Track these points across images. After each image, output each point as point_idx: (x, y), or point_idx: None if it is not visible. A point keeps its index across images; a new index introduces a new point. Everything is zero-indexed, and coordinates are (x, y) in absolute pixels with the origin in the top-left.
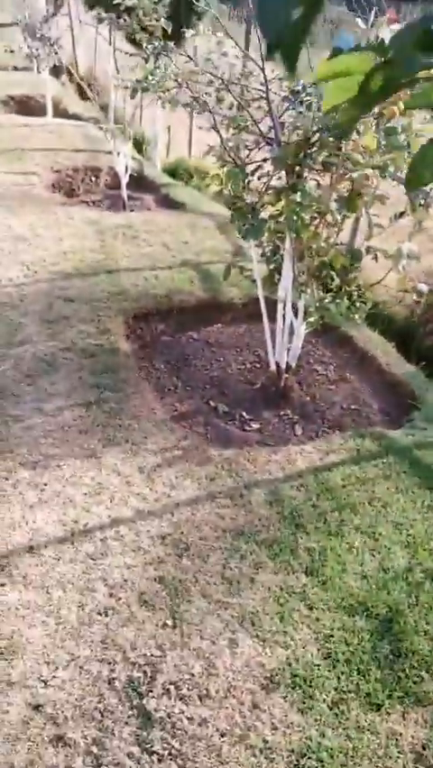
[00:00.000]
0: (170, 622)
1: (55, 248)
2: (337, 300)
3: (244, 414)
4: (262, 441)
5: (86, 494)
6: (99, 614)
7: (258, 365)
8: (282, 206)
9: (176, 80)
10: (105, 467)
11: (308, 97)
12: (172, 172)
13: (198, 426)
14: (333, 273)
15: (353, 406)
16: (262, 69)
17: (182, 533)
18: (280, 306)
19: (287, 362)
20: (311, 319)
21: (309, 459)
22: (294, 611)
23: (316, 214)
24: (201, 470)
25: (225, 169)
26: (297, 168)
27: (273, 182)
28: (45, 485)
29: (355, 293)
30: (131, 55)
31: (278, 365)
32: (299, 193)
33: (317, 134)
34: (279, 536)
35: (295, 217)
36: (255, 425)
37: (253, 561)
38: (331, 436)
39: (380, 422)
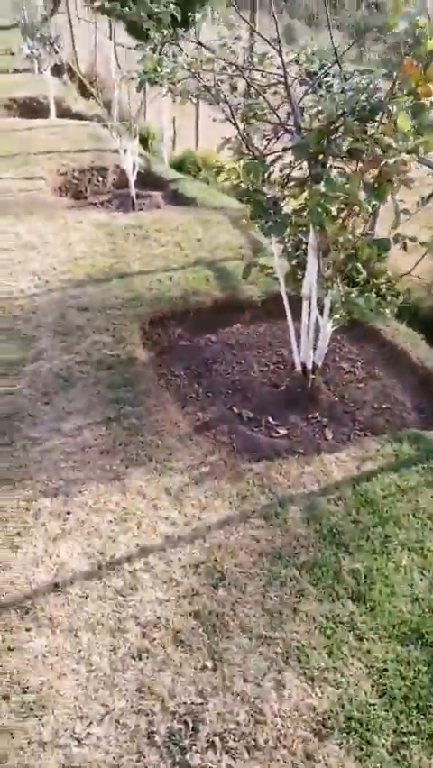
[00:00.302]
0: (209, 663)
1: (65, 254)
2: (366, 294)
3: (271, 419)
4: (291, 448)
5: (111, 521)
6: (133, 658)
7: (282, 366)
8: (305, 199)
9: (189, 70)
10: (130, 490)
11: (328, 78)
12: (180, 165)
13: (222, 436)
14: (358, 265)
15: (384, 406)
16: (279, 52)
17: (216, 560)
18: (304, 304)
19: (313, 362)
20: (337, 316)
21: (345, 468)
22: (343, 643)
23: (343, 206)
24: (231, 487)
25: (243, 161)
26: (320, 156)
27: (295, 173)
28: (68, 514)
29: (384, 286)
30: (136, 47)
31: (304, 366)
32: (323, 183)
33: (341, 118)
34: (320, 558)
35: (320, 209)
36: (283, 431)
37: (294, 588)
38: (365, 441)
39: (415, 421)
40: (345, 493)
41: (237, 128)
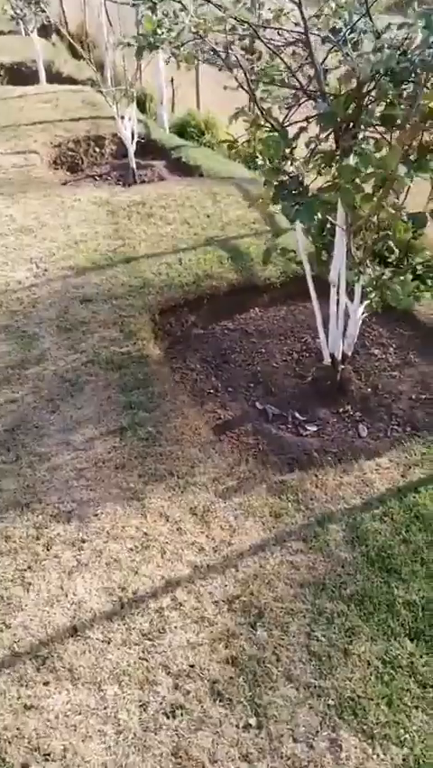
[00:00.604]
0: (253, 721)
1: (64, 237)
2: (401, 277)
3: (298, 415)
4: (323, 448)
5: (132, 549)
6: (166, 715)
7: (306, 354)
8: (333, 175)
9: (196, 33)
10: (151, 511)
11: (353, 34)
12: (181, 129)
13: (246, 437)
14: (391, 244)
15: (423, 396)
16: (299, 5)
17: (252, 593)
18: (332, 290)
19: (342, 352)
20: (369, 301)
21: (388, 477)
22: (403, 692)
23: (379, 182)
24: (263, 504)
25: (260, 134)
26: (350, 125)
27: (321, 146)
28: (83, 542)
29: (421, 267)
30: (132, 5)
31: (332, 356)
32: (353, 156)
33: (374, 80)
34: (369, 588)
35: (351, 187)
36: (312, 428)
37: (342, 625)
38: (406, 441)
39: None
40: (390, 507)
41: (253, 96)
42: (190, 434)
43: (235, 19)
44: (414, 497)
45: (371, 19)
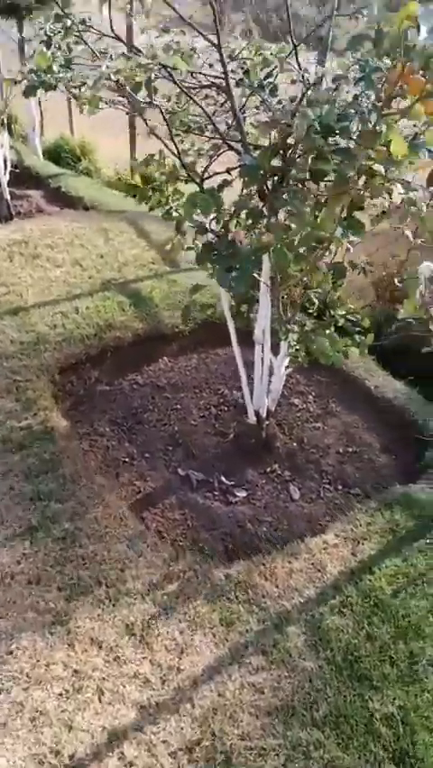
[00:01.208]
0: None
1: None
2: (327, 331)
3: (224, 479)
4: (256, 517)
5: (61, 695)
6: None
7: (225, 407)
8: (262, 232)
9: (116, 82)
10: (79, 638)
11: (270, 80)
12: (53, 155)
13: (172, 511)
14: (312, 296)
15: (350, 449)
16: (218, 47)
17: (214, 734)
18: (257, 349)
19: (267, 408)
20: (292, 356)
21: (339, 556)
22: None
23: (316, 244)
24: (210, 610)
25: (178, 186)
26: (277, 179)
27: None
28: None
29: (343, 318)
30: (27, 40)
31: (257, 414)
32: (285, 215)
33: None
34: (342, 705)
35: (282, 247)
36: (241, 494)
37: (321, 759)
38: (349, 510)
39: (387, 466)
40: (348, 596)
41: (177, 150)
42: (115, 525)
43: (164, 67)
44: (369, 579)
45: (300, 67)
